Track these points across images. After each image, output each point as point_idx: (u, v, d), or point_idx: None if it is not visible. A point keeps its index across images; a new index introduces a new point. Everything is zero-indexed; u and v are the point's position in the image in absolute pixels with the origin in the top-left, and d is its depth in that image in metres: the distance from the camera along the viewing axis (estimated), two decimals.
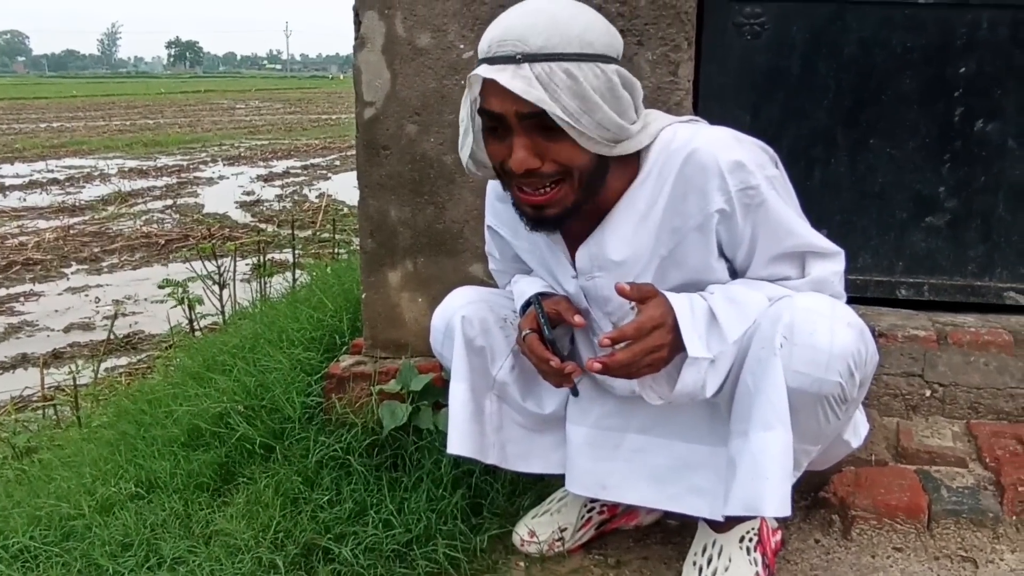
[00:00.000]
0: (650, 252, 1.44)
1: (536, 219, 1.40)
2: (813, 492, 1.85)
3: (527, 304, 1.56)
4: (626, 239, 1.44)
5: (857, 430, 1.58)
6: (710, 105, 2.13)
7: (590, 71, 1.27)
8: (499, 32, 1.29)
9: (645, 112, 1.42)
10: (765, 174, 1.38)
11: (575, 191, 1.35)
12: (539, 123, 1.28)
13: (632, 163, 1.42)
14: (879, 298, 2.20)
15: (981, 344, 2.00)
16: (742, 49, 2.13)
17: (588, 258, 1.48)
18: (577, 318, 1.49)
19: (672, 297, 1.36)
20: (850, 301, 1.50)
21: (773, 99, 2.16)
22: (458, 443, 1.60)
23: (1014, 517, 1.76)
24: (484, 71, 1.28)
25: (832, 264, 1.45)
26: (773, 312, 1.35)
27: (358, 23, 2.09)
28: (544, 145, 1.30)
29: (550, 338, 1.48)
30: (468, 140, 1.41)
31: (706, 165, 1.36)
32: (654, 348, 1.32)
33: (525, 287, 1.61)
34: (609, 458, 1.62)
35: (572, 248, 1.51)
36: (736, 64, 2.14)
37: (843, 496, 1.79)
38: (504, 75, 1.25)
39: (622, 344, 1.32)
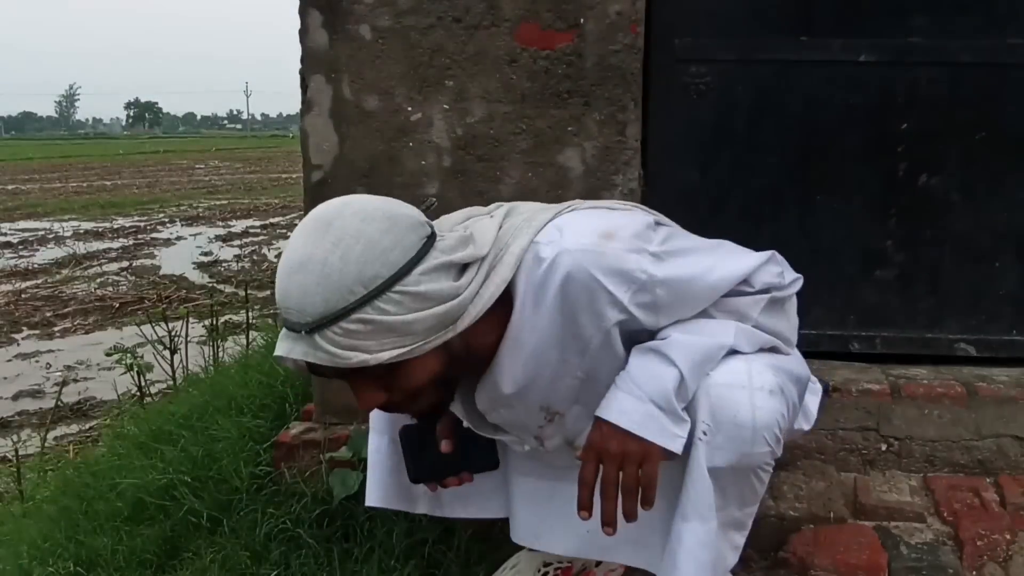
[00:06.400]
0: (553, 372, 1.35)
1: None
2: (773, 552, 1.82)
3: None
4: (515, 374, 1.35)
5: (808, 414, 1.54)
6: (658, 163, 2.14)
7: (385, 304, 1.15)
8: (279, 296, 1.18)
9: (494, 236, 1.30)
10: (648, 260, 1.29)
11: (438, 395, 1.31)
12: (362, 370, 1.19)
13: (505, 303, 1.30)
14: (832, 352, 2.20)
15: (934, 397, 2.00)
16: (689, 108, 2.15)
17: (487, 400, 1.42)
18: (444, 444, 1.46)
19: (618, 414, 1.26)
20: (803, 356, 1.50)
21: (720, 157, 2.17)
22: (379, 495, 1.56)
23: (974, 572, 1.74)
24: (282, 346, 1.20)
25: (771, 266, 1.40)
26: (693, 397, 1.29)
27: (305, 87, 2.08)
28: (382, 380, 1.24)
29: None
30: None
31: (586, 285, 1.26)
32: (633, 483, 1.26)
33: None
34: (544, 507, 1.58)
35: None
36: (683, 123, 2.16)
37: (802, 556, 1.77)
38: (300, 348, 1.17)
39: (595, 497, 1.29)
